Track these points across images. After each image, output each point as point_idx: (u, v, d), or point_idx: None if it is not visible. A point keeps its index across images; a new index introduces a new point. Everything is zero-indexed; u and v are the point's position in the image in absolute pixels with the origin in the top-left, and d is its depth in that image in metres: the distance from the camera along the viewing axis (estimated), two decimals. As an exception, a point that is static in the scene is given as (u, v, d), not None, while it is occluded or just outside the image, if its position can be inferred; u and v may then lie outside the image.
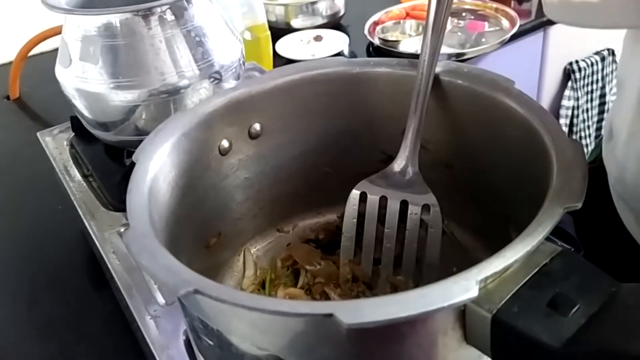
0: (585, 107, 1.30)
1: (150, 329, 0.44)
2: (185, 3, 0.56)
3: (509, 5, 1.09)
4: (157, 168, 0.35)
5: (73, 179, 0.61)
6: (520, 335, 0.25)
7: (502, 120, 0.38)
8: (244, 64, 0.63)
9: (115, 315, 0.50)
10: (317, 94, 0.44)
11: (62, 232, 0.63)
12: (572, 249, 0.50)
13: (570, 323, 0.25)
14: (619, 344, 0.24)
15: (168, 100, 0.56)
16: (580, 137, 1.31)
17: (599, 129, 1.32)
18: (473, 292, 0.24)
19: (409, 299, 0.24)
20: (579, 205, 0.28)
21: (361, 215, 0.43)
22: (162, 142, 0.37)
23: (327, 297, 0.42)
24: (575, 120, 1.29)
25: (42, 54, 0.95)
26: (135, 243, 0.28)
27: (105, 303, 0.52)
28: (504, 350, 0.27)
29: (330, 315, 0.24)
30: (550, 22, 1.13)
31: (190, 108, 0.40)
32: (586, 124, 1.31)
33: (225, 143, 0.42)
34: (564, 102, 1.26)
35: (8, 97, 0.94)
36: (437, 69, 0.41)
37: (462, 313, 0.27)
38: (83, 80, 0.55)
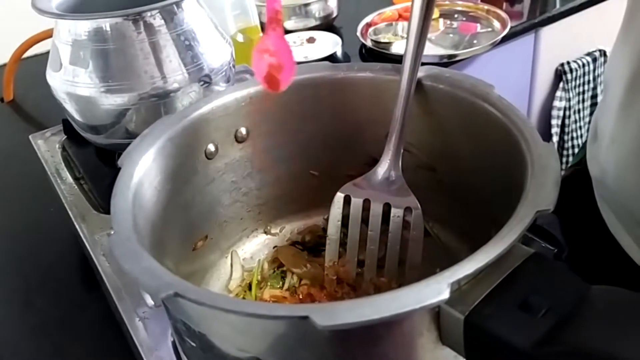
0: (577, 108, 1.30)
1: (139, 330, 0.44)
2: (175, 7, 0.56)
3: (501, 7, 1.10)
4: (142, 173, 0.36)
5: (64, 182, 0.62)
6: (492, 336, 0.26)
7: (482, 125, 0.39)
8: (234, 67, 0.63)
9: (107, 315, 0.50)
10: (302, 98, 0.45)
11: (55, 233, 0.63)
12: (556, 250, 0.51)
13: (541, 325, 0.25)
14: (587, 345, 0.24)
15: (158, 103, 0.56)
16: (572, 138, 1.32)
17: (590, 129, 1.32)
18: (445, 295, 0.25)
19: (383, 301, 0.25)
20: (551, 209, 0.28)
21: (346, 217, 0.44)
22: (148, 147, 0.37)
23: (312, 299, 0.43)
24: (567, 121, 1.29)
25: (36, 55, 0.95)
26: (118, 247, 0.29)
27: (97, 303, 0.52)
28: (477, 351, 0.28)
29: (305, 318, 0.24)
30: (542, 24, 1.13)
31: (176, 113, 0.41)
32: (578, 124, 1.31)
33: (211, 147, 0.43)
34: (556, 103, 1.27)
35: (2, 99, 0.94)
36: (420, 74, 0.41)
37: (437, 315, 0.28)
38: (73, 84, 0.56)
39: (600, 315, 0.26)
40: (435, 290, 0.25)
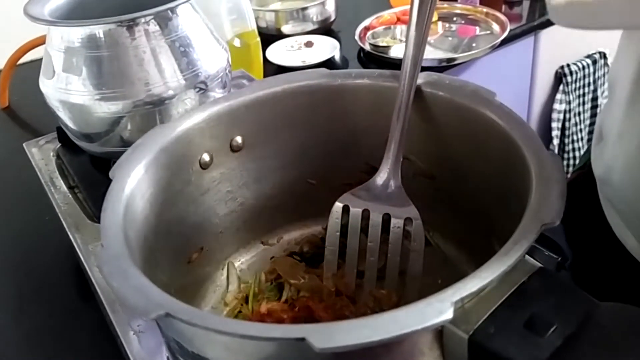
0: (577, 111, 1.29)
1: (133, 344, 0.43)
2: (170, 13, 0.55)
3: (500, 10, 1.09)
4: (134, 185, 0.35)
5: (59, 190, 0.61)
6: (497, 356, 0.25)
7: (483, 133, 0.38)
8: (230, 72, 0.62)
9: (102, 326, 0.49)
10: (299, 106, 0.44)
11: (49, 242, 0.62)
12: (559, 259, 0.49)
13: (547, 344, 0.24)
14: (595, 366, 0.23)
15: (153, 111, 0.55)
16: (573, 141, 1.31)
17: (591, 132, 1.32)
18: (448, 315, 0.24)
19: (382, 322, 0.24)
20: (556, 223, 0.28)
21: (345, 227, 0.43)
22: (140, 158, 0.36)
23: (311, 312, 0.42)
24: (567, 124, 1.28)
25: (32, 62, 0.94)
26: (107, 264, 0.28)
27: (92, 314, 0.51)
28: (482, 371, 0.27)
29: (302, 340, 0.23)
30: (541, 26, 1.13)
31: (169, 123, 0.40)
32: (578, 127, 1.31)
33: (206, 157, 0.42)
34: (556, 106, 1.26)
35: (-3, 106, 0.94)
36: (419, 81, 0.41)
37: (440, 333, 0.27)
38: (66, 92, 0.55)
39: (609, 334, 0.25)
40: (438, 309, 0.24)
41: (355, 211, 0.42)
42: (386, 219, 0.41)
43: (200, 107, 0.42)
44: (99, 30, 0.53)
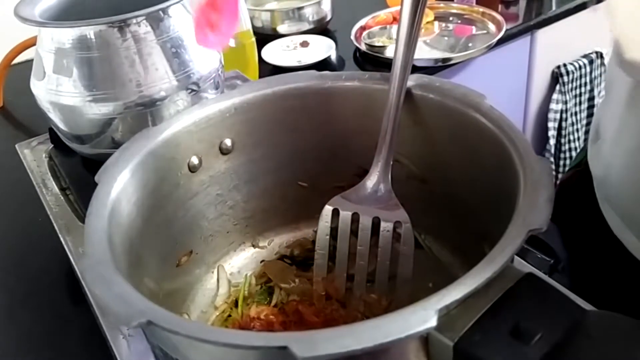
0: (573, 111, 1.29)
1: (123, 348, 0.43)
2: (161, 14, 0.55)
3: (496, 9, 1.09)
4: (120, 189, 0.34)
5: (50, 192, 0.61)
6: (482, 364, 0.25)
7: (473, 136, 0.37)
8: (222, 73, 0.62)
9: (93, 330, 0.49)
10: (289, 109, 0.44)
11: (41, 245, 0.62)
12: (552, 261, 0.49)
13: (533, 353, 0.24)
14: (581, 375, 0.23)
15: (145, 112, 0.55)
16: (569, 141, 1.31)
17: (587, 132, 1.32)
18: (431, 322, 0.24)
19: (365, 330, 0.24)
20: (543, 229, 0.27)
21: (335, 230, 0.43)
22: (127, 161, 0.36)
23: (300, 316, 0.42)
24: (564, 124, 1.28)
25: (27, 61, 0.93)
26: (90, 271, 0.28)
27: (83, 317, 0.51)
28: (467, 379, 0.26)
29: (284, 348, 0.23)
30: (538, 26, 1.12)
31: (157, 126, 0.40)
32: (575, 127, 1.30)
33: (194, 160, 0.42)
34: (553, 106, 1.26)
35: (-9, 106, 0.93)
36: (409, 83, 0.40)
37: (426, 340, 0.27)
38: (57, 94, 0.54)
39: (595, 342, 0.24)
40: (422, 317, 0.24)
41: (345, 214, 0.42)
42: (376, 222, 0.41)
43: (188, 109, 0.41)
44: (89, 31, 0.52)
